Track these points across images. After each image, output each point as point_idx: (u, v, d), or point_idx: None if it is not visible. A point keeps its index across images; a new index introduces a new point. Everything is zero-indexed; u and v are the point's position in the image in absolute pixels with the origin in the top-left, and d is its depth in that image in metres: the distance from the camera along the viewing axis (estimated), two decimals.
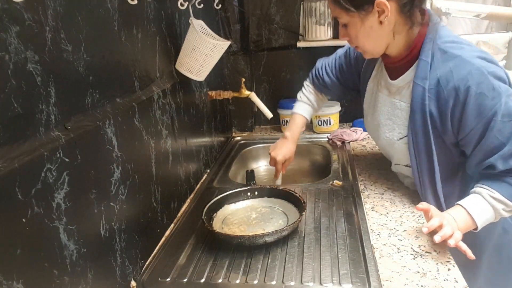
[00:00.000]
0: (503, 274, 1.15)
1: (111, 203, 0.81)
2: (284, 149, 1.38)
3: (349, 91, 1.39)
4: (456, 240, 0.89)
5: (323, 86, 1.38)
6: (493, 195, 0.95)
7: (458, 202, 0.99)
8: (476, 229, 0.96)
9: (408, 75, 1.04)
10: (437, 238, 0.89)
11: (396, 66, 1.07)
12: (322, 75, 1.36)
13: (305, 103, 1.42)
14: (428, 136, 1.03)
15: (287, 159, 1.40)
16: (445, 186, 1.08)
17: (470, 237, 0.98)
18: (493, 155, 0.94)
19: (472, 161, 1.00)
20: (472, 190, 1.00)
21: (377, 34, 0.99)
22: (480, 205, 0.96)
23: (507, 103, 0.91)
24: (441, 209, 1.04)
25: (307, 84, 1.44)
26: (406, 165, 1.17)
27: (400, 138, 1.11)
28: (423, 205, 0.97)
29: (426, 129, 1.02)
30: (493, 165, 0.95)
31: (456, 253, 0.95)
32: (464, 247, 0.90)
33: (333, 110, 1.85)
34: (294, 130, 1.40)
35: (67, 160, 0.67)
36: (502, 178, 0.95)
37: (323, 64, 1.37)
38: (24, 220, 0.57)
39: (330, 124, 1.85)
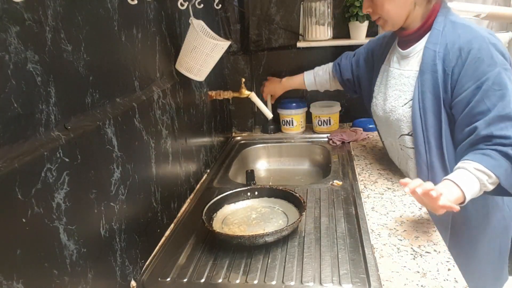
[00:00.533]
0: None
1: (111, 203, 0.81)
2: (271, 87, 1.78)
3: (352, 85, 1.52)
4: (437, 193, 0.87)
5: (339, 69, 1.54)
6: (477, 167, 0.97)
7: (445, 177, 1.00)
8: (463, 202, 0.97)
9: (419, 44, 1.13)
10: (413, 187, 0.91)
11: (408, 39, 1.15)
12: (341, 58, 1.55)
13: (312, 73, 1.65)
14: (438, 93, 1.07)
15: (273, 95, 1.81)
16: (452, 152, 1.11)
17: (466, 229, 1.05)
18: (477, 120, 1.00)
19: (458, 127, 1.06)
20: (456, 166, 1.02)
21: (402, 2, 1.08)
22: (467, 178, 0.98)
23: (500, 73, 0.98)
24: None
25: (328, 65, 1.62)
26: (408, 134, 1.18)
27: (405, 104, 1.16)
28: (405, 179, 0.96)
29: (436, 87, 1.07)
30: (476, 128, 0.99)
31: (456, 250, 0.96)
32: (448, 203, 0.90)
33: (333, 110, 1.85)
34: (290, 79, 1.73)
35: (67, 160, 0.67)
36: (483, 151, 0.99)
37: (348, 53, 1.55)
38: (24, 220, 0.57)
39: (330, 124, 1.85)
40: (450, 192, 0.95)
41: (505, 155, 0.96)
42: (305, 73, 1.67)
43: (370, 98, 1.34)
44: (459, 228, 1.18)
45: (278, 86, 1.75)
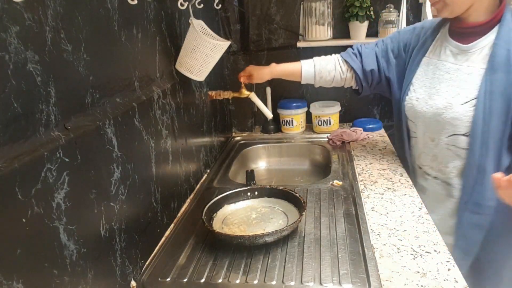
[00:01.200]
0: None
1: (111, 203, 0.81)
2: (257, 69, 1.48)
3: (374, 77, 1.37)
4: None
5: (360, 58, 1.37)
6: None
7: None
8: None
9: (484, 40, 1.07)
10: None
11: (470, 32, 1.09)
12: (357, 48, 1.39)
13: (312, 62, 1.44)
14: (510, 95, 1.02)
15: (253, 78, 1.49)
16: (507, 157, 1.06)
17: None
18: None
19: None
20: None
21: None
22: None
23: None
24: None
25: (333, 56, 1.44)
26: (464, 134, 1.12)
27: (466, 102, 1.09)
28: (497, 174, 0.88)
29: (509, 89, 1.02)
30: None
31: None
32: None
33: (333, 110, 1.85)
34: (280, 65, 1.48)
35: (67, 160, 0.67)
36: None
37: (356, 45, 1.40)
38: (24, 220, 0.57)
39: (330, 124, 1.85)
40: None
41: None
42: (302, 61, 1.45)
43: (401, 91, 1.27)
44: (484, 262, 1.15)
45: (265, 71, 1.48)
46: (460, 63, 1.12)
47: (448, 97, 1.13)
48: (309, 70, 1.43)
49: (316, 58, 1.45)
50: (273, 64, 1.48)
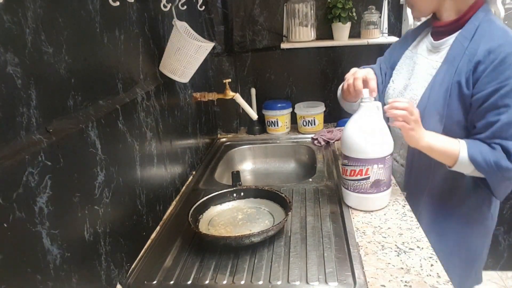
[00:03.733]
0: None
1: (95, 207, 0.81)
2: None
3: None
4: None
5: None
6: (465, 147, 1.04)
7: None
8: (455, 162, 1.04)
9: (452, 37, 1.11)
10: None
11: (441, 30, 1.14)
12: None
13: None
14: (447, 85, 1.07)
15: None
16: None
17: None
18: (490, 124, 1.02)
19: (471, 122, 1.07)
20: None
21: None
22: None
23: None
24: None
25: None
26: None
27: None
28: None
29: (450, 78, 1.07)
30: (483, 129, 1.03)
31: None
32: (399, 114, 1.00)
33: (318, 111, 1.86)
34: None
35: (49, 163, 0.66)
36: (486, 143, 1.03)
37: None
38: (5, 225, 0.56)
39: (315, 124, 1.87)
40: (440, 139, 1.06)
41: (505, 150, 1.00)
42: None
43: (383, 82, 1.30)
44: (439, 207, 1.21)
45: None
46: (431, 58, 1.17)
47: (415, 89, 1.18)
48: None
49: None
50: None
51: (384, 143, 1.08)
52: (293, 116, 1.95)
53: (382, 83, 1.33)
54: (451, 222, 1.20)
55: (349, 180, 1.12)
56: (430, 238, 1.00)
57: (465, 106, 1.06)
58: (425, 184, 1.20)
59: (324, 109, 1.90)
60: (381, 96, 1.31)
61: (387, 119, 1.08)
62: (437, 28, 1.16)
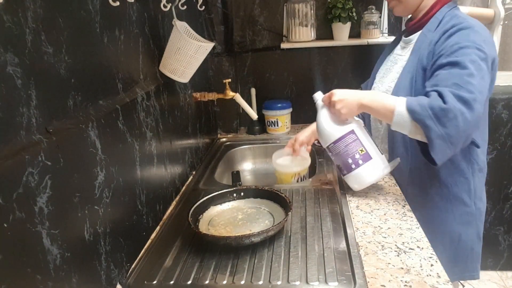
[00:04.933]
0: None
1: (95, 207, 0.81)
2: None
3: None
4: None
5: None
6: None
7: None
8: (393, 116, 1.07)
9: (420, 32, 1.21)
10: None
11: (412, 28, 1.24)
12: None
13: None
14: (412, 74, 1.16)
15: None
16: None
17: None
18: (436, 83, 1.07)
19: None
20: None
21: None
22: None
23: (468, 48, 1.04)
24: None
25: None
26: None
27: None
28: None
29: (415, 67, 1.16)
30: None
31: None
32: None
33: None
34: None
35: (49, 163, 0.66)
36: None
37: None
38: (5, 225, 0.56)
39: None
40: (378, 96, 1.12)
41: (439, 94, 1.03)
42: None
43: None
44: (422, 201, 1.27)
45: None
46: (404, 54, 1.26)
47: (390, 82, 1.27)
48: None
49: None
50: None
51: (341, 122, 1.19)
52: (293, 116, 1.95)
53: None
54: (432, 209, 1.26)
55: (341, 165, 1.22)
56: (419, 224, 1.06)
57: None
58: (407, 172, 1.27)
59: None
60: None
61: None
62: (410, 27, 1.25)
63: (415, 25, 1.22)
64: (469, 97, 0.99)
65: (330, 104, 1.17)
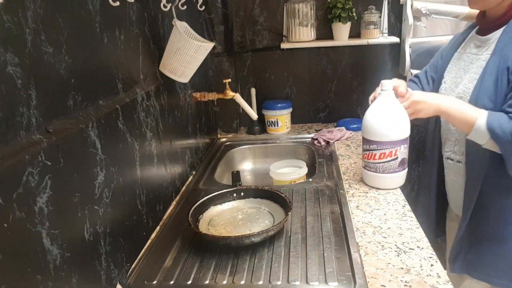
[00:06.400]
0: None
1: (95, 207, 0.81)
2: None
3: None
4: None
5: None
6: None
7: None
8: (471, 128, 1.06)
9: (499, 31, 1.14)
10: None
11: (490, 26, 1.17)
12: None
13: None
14: (497, 76, 1.09)
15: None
16: None
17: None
18: None
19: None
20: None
21: None
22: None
23: None
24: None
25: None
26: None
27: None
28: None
29: (497, 69, 1.09)
30: None
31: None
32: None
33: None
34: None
35: (49, 163, 0.66)
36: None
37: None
38: (5, 225, 0.56)
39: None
40: (458, 103, 1.13)
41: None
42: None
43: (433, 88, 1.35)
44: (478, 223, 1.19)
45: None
46: (481, 53, 1.19)
47: (468, 83, 1.20)
48: None
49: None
50: None
51: (406, 124, 1.20)
52: (293, 116, 1.95)
53: (428, 85, 1.40)
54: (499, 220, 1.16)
55: (378, 163, 1.24)
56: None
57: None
58: (483, 178, 1.16)
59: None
60: None
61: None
62: (483, 25, 1.20)
63: (492, 24, 1.15)
64: None
65: (408, 103, 1.16)
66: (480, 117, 1.05)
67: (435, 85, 1.35)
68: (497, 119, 1.04)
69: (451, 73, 1.28)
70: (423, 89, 1.41)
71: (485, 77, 1.13)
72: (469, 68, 1.22)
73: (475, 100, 1.12)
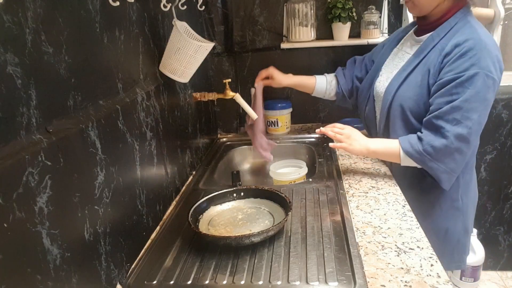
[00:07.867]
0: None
1: (95, 207, 0.81)
2: (278, 73, 1.60)
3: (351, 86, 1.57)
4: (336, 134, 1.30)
5: (343, 71, 1.59)
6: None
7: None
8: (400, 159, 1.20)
9: (432, 34, 1.21)
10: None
11: (425, 28, 1.24)
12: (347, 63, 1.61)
13: (325, 75, 1.63)
14: (424, 79, 1.18)
15: (269, 79, 1.60)
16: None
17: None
18: (439, 107, 1.12)
19: (430, 105, 1.16)
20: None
21: None
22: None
23: (477, 75, 1.07)
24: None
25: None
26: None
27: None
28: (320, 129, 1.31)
29: (422, 71, 1.18)
30: (432, 112, 1.14)
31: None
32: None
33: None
34: (297, 76, 1.61)
35: (49, 163, 0.66)
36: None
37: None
38: (5, 225, 0.56)
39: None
40: (379, 142, 1.27)
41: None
42: (316, 76, 1.62)
43: (372, 80, 1.41)
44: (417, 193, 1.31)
45: (284, 75, 1.60)
46: (412, 52, 1.26)
47: (394, 82, 1.27)
48: (319, 82, 1.60)
49: (327, 75, 1.63)
50: (290, 75, 1.61)
51: None
52: (293, 116, 1.95)
53: (360, 72, 1.52)
54: (422, 202, 1.29)
55: None
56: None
57: (430, 93, 1.17)
58: (400, 166, 1.28)
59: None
60: (370, 89, 1.41)
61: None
62: (420, 26, 1.26)
63: (427, 27, 1.23)
64: (466, 133, 1.10)
65: (340, 135, 1.29)
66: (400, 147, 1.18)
67: (370, 74, 1.43)
68: (409, 143, 1.17)
69: (387, 68, 1.36)
70: (345, 83, 1.56)
71: (410, 77, 1.22)
72: (400, 66, 1.29)
73: (399, 100, 1.22)
